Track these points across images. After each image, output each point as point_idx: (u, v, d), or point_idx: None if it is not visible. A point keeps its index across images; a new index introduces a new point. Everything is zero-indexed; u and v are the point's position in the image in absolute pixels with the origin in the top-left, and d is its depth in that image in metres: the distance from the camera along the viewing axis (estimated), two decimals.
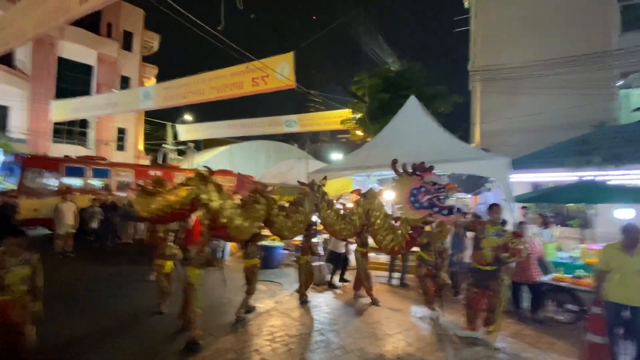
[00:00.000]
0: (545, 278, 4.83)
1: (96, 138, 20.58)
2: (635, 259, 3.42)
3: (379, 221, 4.93)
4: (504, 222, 7.31)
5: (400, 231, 4.59)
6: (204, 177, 4.21)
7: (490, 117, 12.97)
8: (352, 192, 6.45)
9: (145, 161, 22.02)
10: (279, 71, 9.94)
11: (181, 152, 24.03)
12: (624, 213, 4.92)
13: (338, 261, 6.74)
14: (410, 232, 4.40)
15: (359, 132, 13.05)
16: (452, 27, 19.43)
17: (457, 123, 14.24)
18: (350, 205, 6.70)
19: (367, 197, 5.17)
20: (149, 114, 22.65)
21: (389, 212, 5.12)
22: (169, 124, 22.52)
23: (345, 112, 14.42)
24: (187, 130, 22.14)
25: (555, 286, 4.76)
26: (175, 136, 22.39)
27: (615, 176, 7.15)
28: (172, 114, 22.19)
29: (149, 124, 24.18)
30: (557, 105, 11.19)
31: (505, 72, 12.31)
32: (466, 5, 18.77)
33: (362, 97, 11.61)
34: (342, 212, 5.51)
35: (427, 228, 4.85)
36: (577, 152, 8.28)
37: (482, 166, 5.44)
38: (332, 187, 9.33)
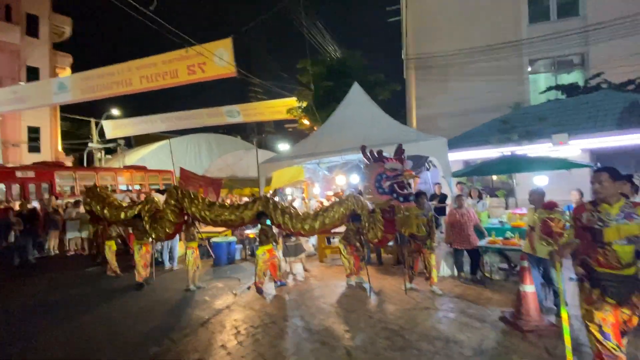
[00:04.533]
0: (482, 242, 5.45)
1: (2, 139, 17.64)
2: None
3: (364, 220, 5.15)
4: (443, 196, 8.02)
5: (374, 218, 4.81)
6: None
7: (425, 103, 13.94)
8: (334, 194, 6.53)
9: (68, 163, 19.55)
10: (216, 59, 9.46)
11: (110, 151, 21.74)
12: (540, 179, 5.73)
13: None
14: (382, 215, 4.61)
15: (306, 122, 13.09)
16: (385, 17, 20.21)
17: (396, 110, 15.04)
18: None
19: (348, 202, 5.36)
20: (66, 109, 20.03)
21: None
22: (92, 121, 20.15)
23: (291, 101, 14.32)
24: (115, 126, 20.05)
25: (489, 248, 5.40)
26: (101, 134, 20.15)
27: (529, 150, 8.26)
28: (97, 109, 19.91)
29: (68, 120, 21.40)
30: (480, 90, 12.43)
31: (435, 60, 13.27)
32: None
33: (307, 84, 11.64)
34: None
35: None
36: (498, 130, 9.39)
37: (424, 146, 5.88)
38: (283, 177, 9.33)
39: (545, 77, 13.07)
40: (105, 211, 6.26)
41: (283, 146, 21.51)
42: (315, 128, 11.92)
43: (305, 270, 6.83)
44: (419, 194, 5.38)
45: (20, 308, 5.46)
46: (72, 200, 10.25)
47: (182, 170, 8.24)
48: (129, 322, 4.73)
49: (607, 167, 2.67)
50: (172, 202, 5.78)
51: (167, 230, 5.84)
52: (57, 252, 9.75)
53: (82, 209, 9.35)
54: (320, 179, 9.66)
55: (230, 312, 4.96)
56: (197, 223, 6.26)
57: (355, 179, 8.83)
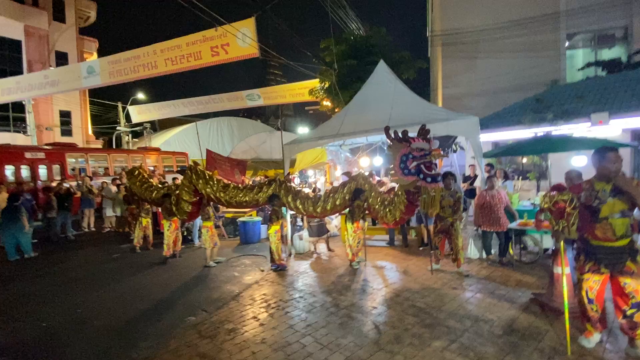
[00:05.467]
0: (513, 225, 5.31)
1: (36, 123, 18.52)
2: None
3: (372, 200, 5.17)
4: (475, 177, 7.82)
5: (396, 200, 4.75)
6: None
7: (451, 81, 13.43)
8: (342, 174, 6.52)
9: (97, 146, 20.37)
10: (240, 38, 9.40)
11: (137, 134, 22.44)
12: (578, 160, 5.46)
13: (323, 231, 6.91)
14: (406, 197, 4.55)
15: (328, 103, 12.94)
16: None
17: (420, 89, 14.59)
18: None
19: (357, 180, 5.41)
20: (95, 94, 20.68)
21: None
22: (119, 105, 20.75)
23: (312, 83, 14.14)
24: (139, 111, 20.56)
25: (520, 231, 5.26)
26: (128, 117, 20.78)
27: (566, 130, 7.85)
28: (123, 93, 20.49)
29: (97, 105, 22.12)
30: (511, 68, 11.83)
31: (463, 37, 12.66)
32: None
33: (330, 64, 11.44)
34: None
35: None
36: (532, 110, 8.95)
37: (455, 126, 5.68)
38: (306, 159, 9.36)
39: (583, 52, 12.24)
40: (142, 189, 6.62)
41: (302, 129, 21.44)
42: (337, 110, 11.78)
43: (329, 249, 6.92)
44: (446, 175, 5.27)
45: (63, 281, 5.85)
46: (107, 179, 10.72)
47: (208, 152, 8.40)
48: (164, 294, 4.99)
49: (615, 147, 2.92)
50: (186, 182, 6.01)
51: (186, 209, 6.11)
52: (93, 229, 10.32)
53: (115, 188, 9.84)
54: (343, 161, 9.62)
55: (259, 287, 5.13)
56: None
57: (378, 161, 8.73)
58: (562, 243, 3.21)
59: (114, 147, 20.63)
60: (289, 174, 7.14)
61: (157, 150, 16.01)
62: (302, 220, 7.98)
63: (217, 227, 6.80)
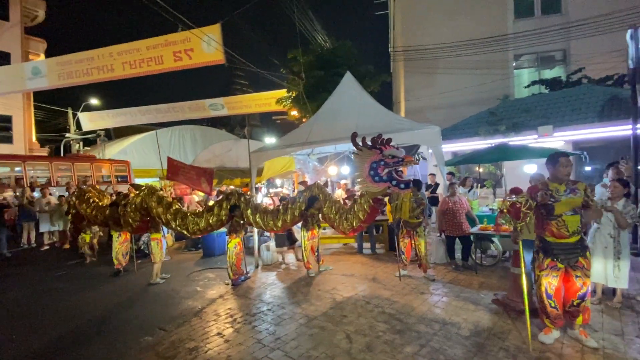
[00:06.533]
0: (474, 229, 5.54)
1: None
2: None
3: (326, 209, 5.15)
4: (436, 185, 8.11)
5: (355, 209, 4.73)
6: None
7: (413, 95, 14.05)
8: (299, 183, 6.47)
9: (43, 154, 18.63)
10: (204, 45, 9.16)
11: (90, 142, 20.89)
12: (530, 168, 5.87)
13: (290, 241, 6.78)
14: (372, 204, 4.53)
15: (295, 113, 12.94)
16: (373, 10, 20.17)
17: (384, 102, 15.09)
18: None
19: (312, 189, 5.40)
20: (41, 98, 19.05)
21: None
22: (70, 110, 19.25)
23: (279, 93, 14.09)
24: (91, 118, 19.17)
25: (481, 235, 5.50)
26: (79, 124, 19.29)
27: (516, 141, 8.46)
28: (74, 98, 19.05)
29: (43, 110, 20.36)
30: (467, 84, 12.62)
31: (423, 54, 13.37)
32: None
33: (298, 73, 11.48)
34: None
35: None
36: (487, 122, 9.57)
37: (419, 135, 5.88)
38: (274, 167, 9.21)
39: (528, 72, 13.42)
40: (93, 215, 6.29)
41: (270, 139, 21.22)
42: (305, 119, 11.81)
43: (298, 259, 6.78)
44: (416, 182, 5.39)
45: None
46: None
47: (169, 160, 7.93)
48: (116, 313, 4.56)
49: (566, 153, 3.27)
50: (138, 203, 5.65)
51: (132, 223, 5.75)
52: (34, 244, 9.31)
53: (52, 200, 9.02)
54: (311, 170, 9.59)
55: (224, 301, 4.86)
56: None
57: (346, 170, 8.81)
58: (520, 243, 3.38)
59: (62, 156, 18.99)
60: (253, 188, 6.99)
61: (90, 158, 14.35)
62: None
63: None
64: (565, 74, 12.23)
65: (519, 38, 12.47)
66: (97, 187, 7.61)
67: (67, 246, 8.87)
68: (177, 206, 5.67)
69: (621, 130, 7.46)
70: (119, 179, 13.93)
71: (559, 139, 8.53)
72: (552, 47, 12.65)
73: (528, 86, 12.30)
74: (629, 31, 6.36)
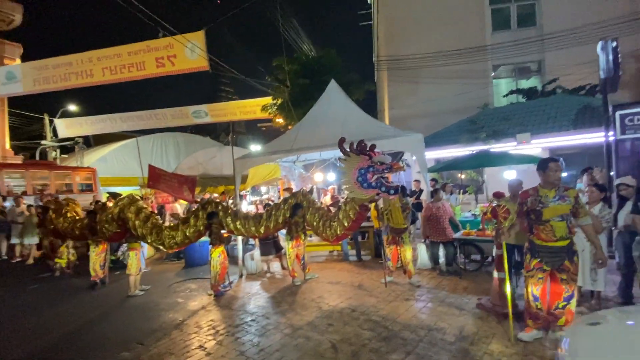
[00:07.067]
0: (457, 234, 5.62)
1: None
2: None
3: (310, 217, 5.08)
4: (420, 192, 8.20)
5: (340, 216, 4.67)
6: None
7: (396, 103, 14.29)
8: (284, 190, 6.42)
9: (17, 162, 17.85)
10: (188, 51, 9.08)
11: (67, 149, 20.18)
12: (510, 174, 6.03)
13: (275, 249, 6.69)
14: (359, 211, 4.49)
15: (280, 120, 12.93)
16: (357, 21, 20.55)
17: (368, 110, 15.30)
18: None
19: (297, 196, 5.32)
20: (16, 104, 18.35)
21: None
22: (46, 117, 18.60)
23: (264, 100, 14.07)
24: (68, 125, 18.56)
25: (464, 240, 5.58)
26: (56, 131, 18.63)
27: (496, 148, 8.70)
28: (52, 104, 18.42)
29: (18, 116, 19.59)
30: (448, 92, 12.93)
31: (405, 63, 13.66)
32: (369, 0, 20.00)
33: (283, 81, 11.49)
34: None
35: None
36: (467, 130, 9.81)
37: (402, 142, 5.97)
38: (259, 174, 9.12)
39: (506, 82, 13.90)
40: (70, 229, 5.94)
41: (255, 147, 21.09)
42: (290, 127, 11.80)
43: (283, 268, 6.69)
44: (402, 188, 5.43)
45: None
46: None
47: (150, 168, 7.72)
48: (92, 328, 4.37)
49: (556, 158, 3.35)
50: (116, 213, 5.40)
51: (106, 234, 5.50)
52: (5, 257, 8.84)
53: (25, 210, 8.60)
54: (297, 177, 9.55)
55: (206, 312, 4.72)
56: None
57: (332, 176, 8.82)
58: (504, 245, 3.45)
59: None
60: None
61: (49, 165, 13.06)
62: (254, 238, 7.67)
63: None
64: (540, 84, 12.72)
65: (497, 49, 12.93)
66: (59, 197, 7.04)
67: (30, 261, 8.42)
68: (154, 220, 5.44)
69: (594, 137, 7.78)
70: (84, 188, 12.45)
71: (536, 146, 8.83)
72: (528, 58, 13.17)
73: (506, 95, 12.73)
74: (600, 43, 6.69)
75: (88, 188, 12.63)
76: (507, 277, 3.53)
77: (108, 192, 7.37)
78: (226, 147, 11.33)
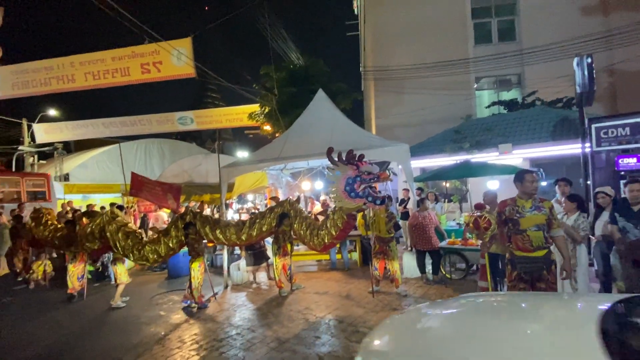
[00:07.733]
0: (443, 243, 5.68)
1: None
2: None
3: (297, 226, 5.07)
4: (408, 200, 8.27)
5: (328, 225, 4.67)
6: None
7: (383, 113, 14.49)
8: (271, 198, 6.37)
9: None
10: (174, 58, 8.99)
11: (46, 155, 19.50)
12: (492, 184, 6.17)
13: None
14: (346, 220, 4.49)
15: (268, 128, 12.90)
16: (344, 31, 20.89)
17: (355, 120, 15.46)
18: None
19: (284, 205, 5.30)
20: None
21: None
22: (24, 121, 17.95)
23: (251, 108, 14.02)
24: (47, 130, 17.94)
25: (449, 249, 5.64)
26: (34, 136, 17.97)
27: (479, 158, 8.91)
28: (30, 109, 17.81)
29: None
30: (433, 103, 13.22)
31: (392, 74, 13.92)
32: (355, 11, 20.38)
33: (270, 89, 11.50)
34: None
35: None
36: (451, 140, 10.02)
37: (388, 152, 6.03)
38: (246, 182, 9.01)
39: (488, 93, 14.32)
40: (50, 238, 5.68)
41: (242, 154, 20.92)
42: (277, 135, 11.77)
43: (270, 278, 6.59)
44: (389, 198, 5.49)
45: None
46: None
47: (133, 175, 7.52)
48: (68, 343, 4.17)
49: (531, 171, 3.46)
50: (96, 230, 5.19)
51: (88, 250, 5.34)
52: None
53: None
54: (284, 185, 9.50)
55: (189, 326, 4.59)
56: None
57: (319, 185, 8.82)
58: (487, 255, 3.51)
59: (13, 169, 17.54)
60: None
61: None
62: (240, 248, 7.55)
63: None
64: (521, 96, 13.16)
65: (479, 62, 13.34)
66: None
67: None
68: (135, 237, 5.24)
69: (572, 148, 8.08)
70: (37, 196, 11.18)
71: (517, 156, 9.09)
72: (509, 71, 13.64)
73: (488, 106, 13.10)
74: (576, 59, 6.99)
75: (41, 196, 11.30)
76: (490, 288, 3.58)
77: (86, 210, 7.11)
78: (212, 155, 11.18)
